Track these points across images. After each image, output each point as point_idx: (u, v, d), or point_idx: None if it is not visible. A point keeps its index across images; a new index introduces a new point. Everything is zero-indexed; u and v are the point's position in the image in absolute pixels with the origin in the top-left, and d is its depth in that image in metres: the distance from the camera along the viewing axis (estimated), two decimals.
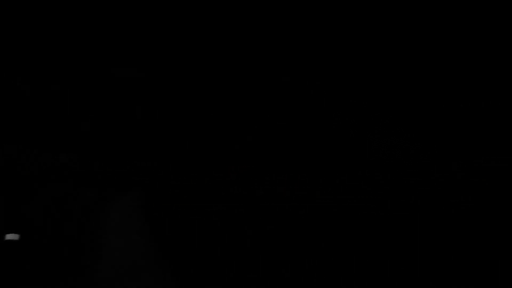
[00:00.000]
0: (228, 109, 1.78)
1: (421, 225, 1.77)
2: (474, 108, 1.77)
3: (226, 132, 1.78)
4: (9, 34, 1.73)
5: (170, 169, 1.76)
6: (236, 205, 1.77)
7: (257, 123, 1.79)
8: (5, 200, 1.70)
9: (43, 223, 1.68)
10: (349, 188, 1.77)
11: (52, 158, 1.66)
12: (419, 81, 1.79)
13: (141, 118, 1.76)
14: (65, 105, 1.75)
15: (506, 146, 1.75)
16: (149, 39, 1.77)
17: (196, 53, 1.78)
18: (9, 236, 1.63)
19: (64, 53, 1.75)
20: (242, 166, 1.77)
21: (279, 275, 1.73)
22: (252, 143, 1.79)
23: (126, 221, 1.68)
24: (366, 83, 1.79)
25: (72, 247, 1.65)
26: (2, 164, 1.70)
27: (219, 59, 1.78)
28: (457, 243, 1.75)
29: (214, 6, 1.74)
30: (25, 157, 1.71)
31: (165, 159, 1.76)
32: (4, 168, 1.70)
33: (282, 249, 1.75)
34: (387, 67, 1.78)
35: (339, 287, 1.72)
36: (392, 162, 1.77)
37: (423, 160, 1.76)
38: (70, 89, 1.75)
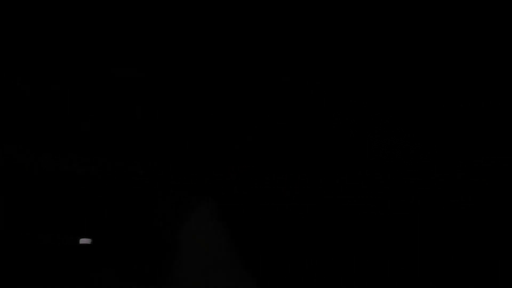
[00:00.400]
0: (228, 109, 1.78)
1: (421, 225, 1.76)
2: (474, 108, 1.77)
3: (226, 132, 1.78)
4: (9, 34, 1.73)
5: (170, 169, 1.76)
6: (236, 205, 1.77)
7: (257, 123, 1.79)
8: (5, 200, 1.70)
9: (118, 226, 1.70)
10: (349, 188, 1.77)
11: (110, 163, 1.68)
12: (419, 81, 1.79)
13: (141, 118, 1.77)
14: (65, 105, 1.75)
15: (506, 146, 1.75)
16: (149, 39, 1.77)
17: (196, 53, 1.78)
18: (83, 241, 1.66)
19: (64, 53, 1.75)
20: (242, 166, 1.77)
21: (279, 275, 1.73)
22: (252, 143, 1.79)
23: (204, 224, 1.70)
24: (366, 83, 1.79)
25: (149, 249, 1.68)
26: (2, 164, 1.70)
27: (219, 59, 1.78)
28: (457, 243, 1.75)
29: (214, 6, 1.74)
30: (25, 157, 1.71)
31: (165, 159, 1.76)
32: (4, 168, 1.70)
33: (282, 249, 1.75)
34: (386, 67, 1.78)
35: (339, 287, 1.71)
36: (392, 162, 1.77)
37: (423, 160, 1.76)
38: (70, 89, 1.75)
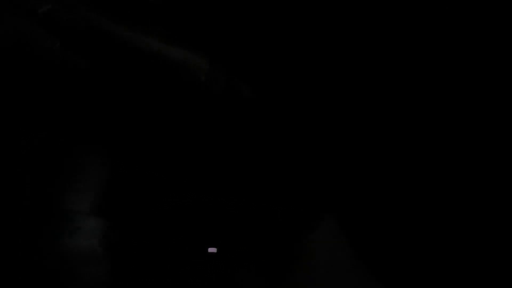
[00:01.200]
0: (228, 109, 1.79)
1: (421, 225, 1.77)
2: (474, 108, 1.77)
3: (226, 132, 1.78)
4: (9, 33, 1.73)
5: (171, 168, 1.76)
6: (236, 205, 1.78)
7: (257, 124, 1.79)
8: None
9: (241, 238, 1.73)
10: (348, 188, 1.77)
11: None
12: (419, 81, 1.79)
13: (141, 118, 1.77)
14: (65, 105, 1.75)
15: (506, 146, 1.75)
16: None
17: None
18: (210, 250, 1.71)
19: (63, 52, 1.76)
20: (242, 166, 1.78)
21: (280, 275, 1.73)
22: (252, 143, 1.79)
23: (324, 238, 1.72)
24: (366, 83, 1.79)
25: (276, 259, 1.71)
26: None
27: (219, 59, 1.78)
28: (457, 243, 1.75)
29: (214, 6, 1.75)
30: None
31: (164, 159, 1.77)
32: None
33: (283, 249, 1.75)
34: (386, 67, 1.79)
35: (339, 287, 1.72)
36: (392, 162, 1.77)
37: (422, 160, 1.77)
38: (70, 89, 1.75)
